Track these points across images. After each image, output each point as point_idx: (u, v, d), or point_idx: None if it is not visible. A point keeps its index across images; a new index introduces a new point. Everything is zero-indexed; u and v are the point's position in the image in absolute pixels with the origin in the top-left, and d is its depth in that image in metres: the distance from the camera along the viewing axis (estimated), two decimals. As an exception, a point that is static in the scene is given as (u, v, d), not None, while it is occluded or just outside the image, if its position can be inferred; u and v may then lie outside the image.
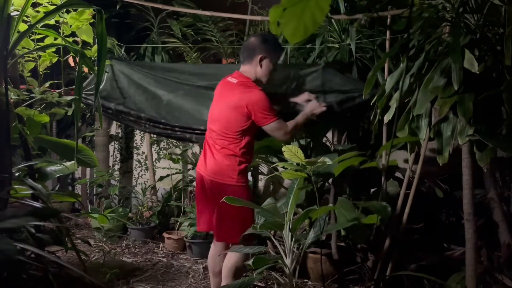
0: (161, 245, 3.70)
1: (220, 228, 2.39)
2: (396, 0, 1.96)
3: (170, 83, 2.83)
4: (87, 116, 4.59)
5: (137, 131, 4.53)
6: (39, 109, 2.10)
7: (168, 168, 4.13)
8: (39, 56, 2.20)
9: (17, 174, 1.84)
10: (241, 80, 2.40)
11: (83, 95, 2.73)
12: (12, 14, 1.65)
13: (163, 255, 3.49)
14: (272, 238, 2.68)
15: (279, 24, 0.92)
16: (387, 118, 2.21)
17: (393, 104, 2.16)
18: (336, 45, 2.92)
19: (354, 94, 2.67)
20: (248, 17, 3.51)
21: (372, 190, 3.02)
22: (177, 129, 2.78)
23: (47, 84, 2.16)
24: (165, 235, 3.64)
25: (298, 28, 0.91)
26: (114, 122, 4.47)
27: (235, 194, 2.26)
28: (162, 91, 2.85)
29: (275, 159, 3.11)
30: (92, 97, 2.79)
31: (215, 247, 2.50)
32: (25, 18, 1.82)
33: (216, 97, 2.47)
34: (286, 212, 2.49)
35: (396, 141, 2.00)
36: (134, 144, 4.70)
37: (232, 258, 2.41)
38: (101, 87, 2.67)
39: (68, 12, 2.08)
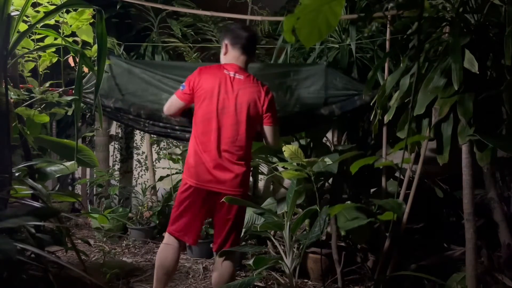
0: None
1: (234, 237, 2.29)
2: (405, 3, 1.95)
3: (170, 81, 2.82)
4: (87, 116, 4.60)
5: (137, 131, 4.53)
6: (39, 109, 2.10)
7: (168, 168, 4.13)
8: (39, 56, 2.20)
9: (17, 174, 1.84)
10: (246, 74, 2.27)
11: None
12: (12, 14, 1.65)
13: (163, 255, 3.48)
14: (272, 238, 2.69)
15: (293, 31, 0.94)
16: (387, 118, 2.21)
17: (393, 104, 2.16)
18: (336, 45, 2.92)
19: (356, 96, 2.67)
20: (248, 17, 3.51)
21: (372, 190, 3.02)
22: (177, 127, 2.76)
23: (47, 84, 2.16)
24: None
25: (313, 32, 0.95)
26: (114, 122, 4.47)
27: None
28: (162, 88, 2.83)
29: (275, 159, 3.11)
30: (89, 95, 2.77)
31: (225, 259, 2.28)
32: (25, 18, 1.82)
33: (221, 98, 2.21)
34: (286, 212, 2.49)
35: (410, 140, 1.99)
36: (134, 144, 4.70)
37: (230, 270, 2.28)
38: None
39: (68, 12, 2.08)
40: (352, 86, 2.68)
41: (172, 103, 2.35)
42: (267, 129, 2.30)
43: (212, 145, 2.19)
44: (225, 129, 2.20)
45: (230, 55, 2.31)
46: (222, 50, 2.35)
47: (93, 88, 2.65)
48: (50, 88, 2.16)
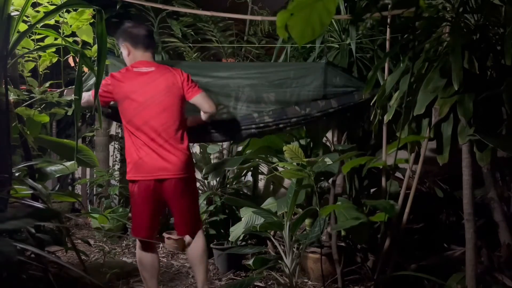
0: (161, 245, 3.69)
1: (196, 215, 2.45)
2: (401, 2, 1.95)
3: None
4: (87, 116, 4.59)
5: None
6: (39, 109, 2.10)
7: (168, 168, 4.12)
8: (39, 56, 2.19)
9: (17, 174, 1.84)
10: (156, 65, 2.41)
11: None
12: (12, 14, 1.65)
13: (163, 255, 3.49)
14: (272, 238, 2.69)
15: (286, 28, 0.93)
16: (387, 118, 2.21)
17: (393, 104, 2.16)
18: (336, 45, 2.92)
19: (355, 93, 2.68)
20: (248, 17, 3.51)
21: (372, 190, 3.02)
22: None
23: (47, 84, 2.16)
24: (165, 235, 3.63)
25: (306, 30, 0.94)
26: (114, 122, 4.46)
27: (194, 183, 2.45)
28: None
29: (275, 159, 3.11)
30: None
31: (198, 238, 2.44)
32: (25, 18, 1.81)
33: (140, 92, 2.33)
34: (286, 212, 2.49)
35: (403, 140, 2.00)
36: (134, 144, 4.69)
37: (204, 242, 2.42)
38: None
39: (68, 12, 2.07)
40: (352, 84, 2.69)
41: (86, 100, 2.41)
42: (197, 99, 2.39)
43: (149, 137, 2.29)
44: (155, 119, 2.30)
45: (135, 55, 2.42)
46: (124, 52, 2.45)
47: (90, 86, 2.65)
48: (49, 89, 2.15)
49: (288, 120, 2.75)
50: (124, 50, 2.45)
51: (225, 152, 3.83)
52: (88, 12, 2.06)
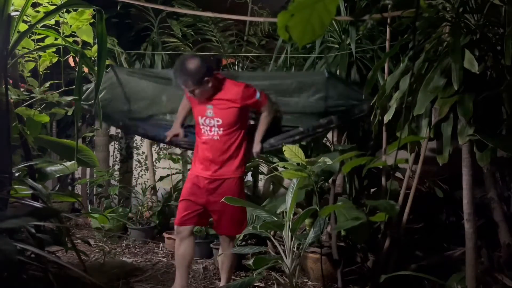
0: (161, 245, 3.70)
1: None
2: (401, 2, 1.96)
3: (176, 91, 2.81)
4: (87, 116, 4.60)
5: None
6: (39, 109, 2.10)
7: (168, 168, 4.13)
8: (39, 56, 2.20)
9: (17, 174, 1.84)
10: None
11: (85, 105, 2.70)
12: (12, 14, 1.65)
13: (163, 255, 3.49)
14: (272, 238, 2.69)
15: (287, 29, 0.93)
16: (387, 118, 2.21)
17: (393, 104, 2.16)
18: (336, 45, 2.92)
19: (354, 106, 2.66)
20: (248, 18, 3.51)
21: (372, 190, 3.02)
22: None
23: (47, 84, 2.16)
24: (165, 235, 3.63)
25: (306, 31, 0.93)
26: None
27: None
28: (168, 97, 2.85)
29: (275, 159, 3.11)
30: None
31: None
32: (25, 18, 1.82)
33: None
34: (286, 212, 2.49)
35: (403, 141, 2.00)
36: (134, 144, 4.70)
37: None
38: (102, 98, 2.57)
39: (68, 12, 2.07)
40: (352, 96, 2.66)
41: None
42: None
43: None
44: None
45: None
46: (209, 85, 2.42)
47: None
48: (45, 92, 2.16)
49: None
50: (209, 83, 2.43)
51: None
52: (88, 12, 2.06)
